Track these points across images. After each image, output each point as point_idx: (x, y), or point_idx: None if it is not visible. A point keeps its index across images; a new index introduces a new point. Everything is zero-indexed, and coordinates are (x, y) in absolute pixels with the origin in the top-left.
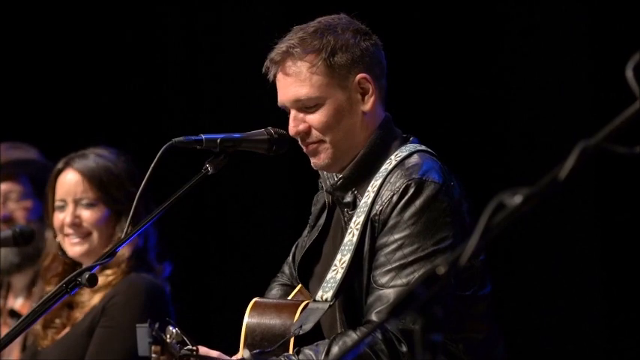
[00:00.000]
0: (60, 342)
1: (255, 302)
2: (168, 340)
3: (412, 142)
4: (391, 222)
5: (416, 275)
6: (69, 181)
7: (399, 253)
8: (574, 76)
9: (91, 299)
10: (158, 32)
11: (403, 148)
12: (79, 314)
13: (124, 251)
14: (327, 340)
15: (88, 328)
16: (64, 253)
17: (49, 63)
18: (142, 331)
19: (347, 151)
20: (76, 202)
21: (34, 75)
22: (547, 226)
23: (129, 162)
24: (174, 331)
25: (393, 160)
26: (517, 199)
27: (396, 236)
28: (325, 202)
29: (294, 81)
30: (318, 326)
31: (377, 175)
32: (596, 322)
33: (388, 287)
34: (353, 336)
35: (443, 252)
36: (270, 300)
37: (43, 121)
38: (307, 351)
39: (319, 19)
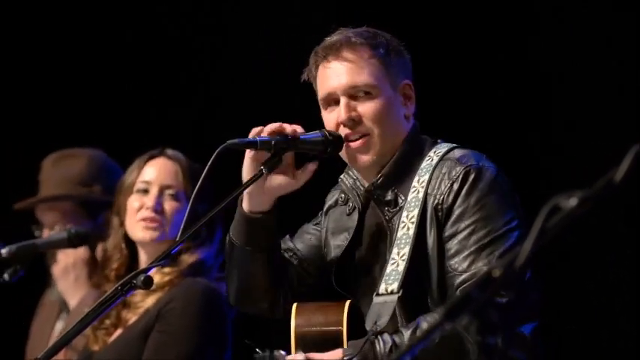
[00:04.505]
0: (114, 344)
1: (298, 306)
2: None
3: (441, 143)
4: (458, 210)
5: (496, 254)
6: (162, 166)
7: (473, 238)
8: (621, 77)
9: (143, 301)
10: (182, 32)
11: (438, 146)
12: (131, 315)
13: (189, 257)
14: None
15: (142, 331)
16: (127, 241)
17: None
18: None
19: (389, 149)
20: (162, 189)
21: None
22: (598, 230)
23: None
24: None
25: (433, 156)
26: (572, 202)
27: (467, 222)
28: (351, 205)
29: (352, 67)
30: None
31: (419, 171)
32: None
33: (470, 271)
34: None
35: (514, 230)
36: (312, 303)
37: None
38: (386, 337)
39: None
